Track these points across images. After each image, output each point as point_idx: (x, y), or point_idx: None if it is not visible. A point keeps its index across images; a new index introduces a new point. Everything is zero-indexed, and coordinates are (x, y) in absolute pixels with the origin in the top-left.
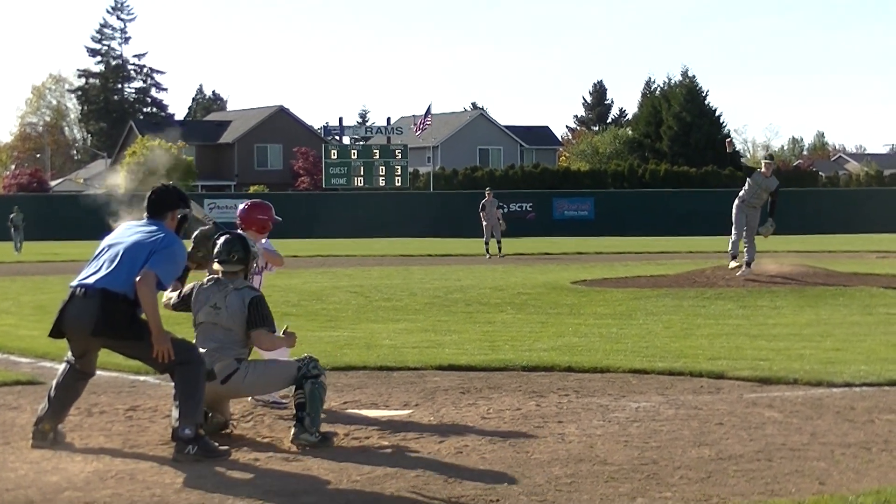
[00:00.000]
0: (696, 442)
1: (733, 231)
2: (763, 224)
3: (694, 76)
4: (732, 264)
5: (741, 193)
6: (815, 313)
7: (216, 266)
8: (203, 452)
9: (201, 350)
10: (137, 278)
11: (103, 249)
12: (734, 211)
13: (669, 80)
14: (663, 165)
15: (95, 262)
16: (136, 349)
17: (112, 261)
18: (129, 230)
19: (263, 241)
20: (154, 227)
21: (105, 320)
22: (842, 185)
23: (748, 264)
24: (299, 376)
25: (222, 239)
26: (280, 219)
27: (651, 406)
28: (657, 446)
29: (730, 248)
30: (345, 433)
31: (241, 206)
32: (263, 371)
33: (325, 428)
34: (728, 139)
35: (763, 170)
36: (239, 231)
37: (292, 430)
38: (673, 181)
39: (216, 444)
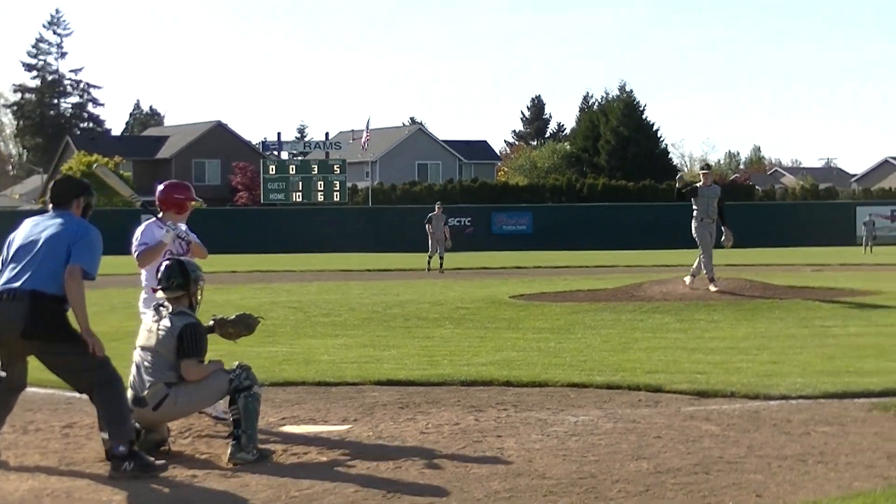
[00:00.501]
0: (635, 455)
1: (702, 253)
2: (723, 238)
3: (631, 91)
4: (713, 287)
5: (695, 213)
6: (751, 326)
7: (159, 294)
8: (139, 468)
9: (132, 373)
10: (66, 275)
11: (17, 250)
12: (696, 232)
13: (607, 94)
14: (601, 179)
15: (13, 265)
16: (65, 354)
17: (32, 261)
18: (37, 227)
19: (188, 230)
20: (62, 219)
21: (35, 321)
22: (778, 199)
23: (712, 280)
24: (231, 388)
25: (162, 266)
26: (201, 200)
27: (590, 420)
28: (596, 460)
29: (706, 272)
30: (283, 449)
31: (158, 187)
32: (194, 391)
33: (263, 444)
34: (679, 175)
35: (702, 181)
36: (179, 258)
37: (229, 449)
38: (611, 195)
39: (152, 459)
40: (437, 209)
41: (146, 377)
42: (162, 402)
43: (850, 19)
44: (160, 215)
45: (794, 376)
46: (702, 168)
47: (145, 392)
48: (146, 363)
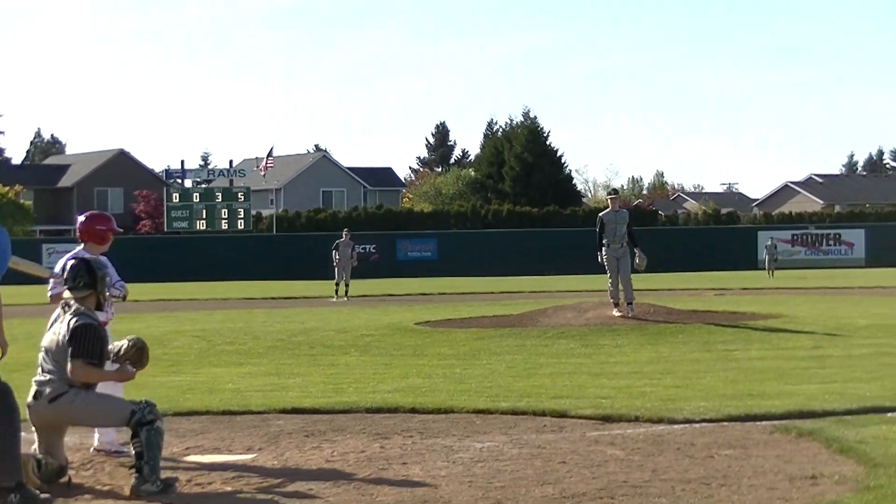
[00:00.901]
0: (540, 481)
1: (609, 279)
2: (634, 259)
3: (535, 117)
4: (616, 312)
5: (603, 241)
6: (655, 351)
7: (66, 293)
8: (24, 501)
9: (37, 374)
10: None
11: None
12: (603, 259)
13: (511, 121)
14: (506, 205)
15: None
16: None
17: None
18: None
19: (107, 261)
20: None
21: None
22: (681, 224)
23: (629, 304)
24: (133, 421)
25: (68, 265)
26: (121, 230)
27: (495, 446)
28: (501, 486)
29: (610, 297)
30: (187, 479)
31: (79, 218)
32: (95, 401)
33: (166, 474)
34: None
35: (610, 206)
36: (83, 255)
37: (132, 481)
38: (515, 221)
39: (39, 492)
40: (344, 236)
41: (46, 376)
42: (59, 396)
43: (750, 46)
44: (82, 246)
45: (698, 400)
46: (609, 193)
47: (46, 389)
48: (46, 363)
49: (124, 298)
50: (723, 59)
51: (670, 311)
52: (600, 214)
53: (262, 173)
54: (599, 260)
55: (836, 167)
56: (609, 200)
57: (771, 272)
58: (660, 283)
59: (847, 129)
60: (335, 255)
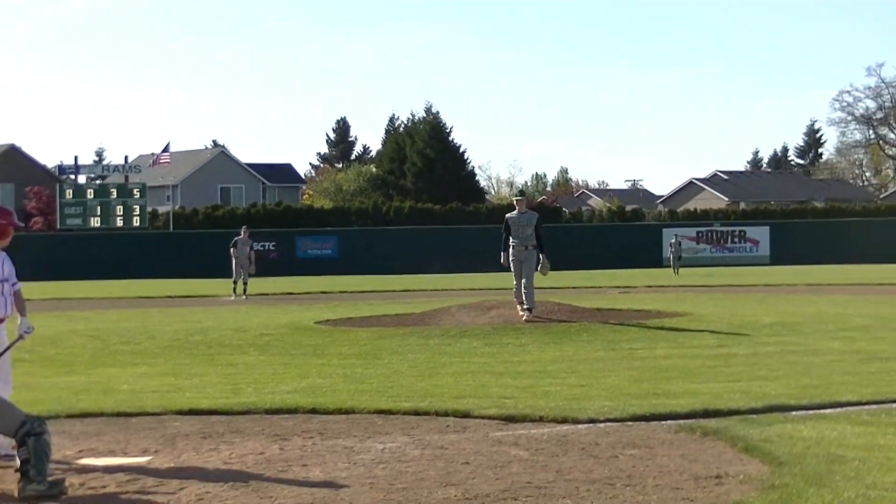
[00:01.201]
0: (443, 482)
1: (514, 280)
2: (539, 265)
3: (437, 112)
4: (520, 311)
5: (511, 242)
6: (559, 350)
7: None
8: None
9: None
10: None
11: None
12: (509, 261)
13: (413, 116)
14: (407, 202)
15: None
16: None
17: None
18: None
19: (4, 259)
20: None
21: None
22: (585, 221)
23: (529, 310)
24: (22, 432)
25: None
26: (23, 224)
27: (397, 447)
28: (403, 488)
29: (514, 296)
30: (80, 482)
31: None
32: None
33: (59, 477)
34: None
35: (517, 208)
36: None
37: (19, 485)
38: (417, 218)
39: None
40: (243, 233)
41: None
42: None
43: (655, 42)
44: None
45: (602, 399)
46: (515, 195)
47: None
48: None
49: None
50: (627, 55)
51: (574, 310)
52: (507, 216)
53: (152, 166)
54: (502, 261)
55: (740, 164)
56: (515, 202)
57: (676, 270)
58: (564, 280)
59: (752, 126)
60: (233, 253)
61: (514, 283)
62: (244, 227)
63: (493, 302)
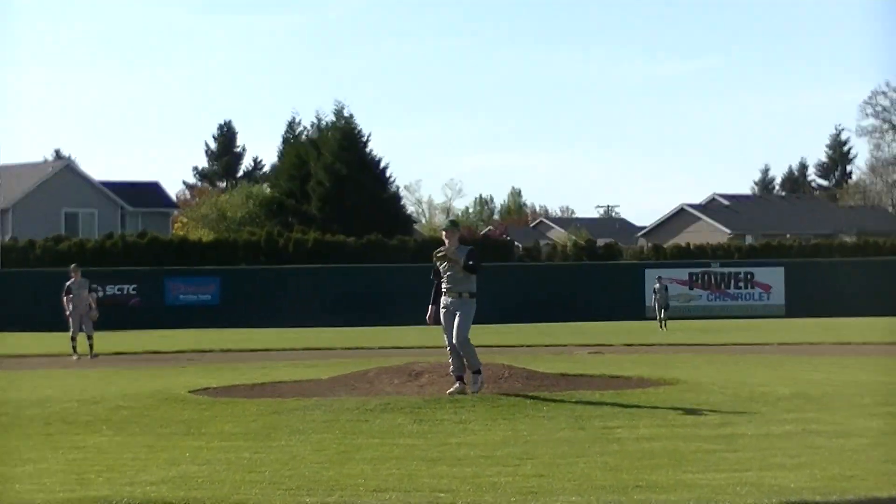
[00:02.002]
0: None
1: (445, 338)
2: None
3: (351, 116)
4: (453, 387)
5: (443, 285)
6: (511, 428)
7: None
8: None
9: None
10: None
11: None
12: (437, 317)
13: (319, 121)
14: (312, 234)
15: None
16: None
17: None
18: None
19: None
20: None
21: None
22: (544, 259)
23: (475, 373)
24: None
25: None
26: None
27: None
28: None
29: (451, 370)
30: None
31: None
32: None
33: None
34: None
35: (446, 243)
36: None
37: None
38: (325, 254)
39: None
40: (74, 274)
41: None
42: None
43: (634, 27)
44: None
45: (568, 493)
46: (444, 226)
47: None
48: None
49: None
50: (600, 38)
51: (531, 375)
52: (435, 254)
53: None
54: (428, 317)
55: (745, 186)
56: (443, 234)
57: (663, 323)
58: (517, 336)
59: (760, 137)
60: (67, 301)
61: (446, 341)
62: (73, 265)
63: (425, 364)
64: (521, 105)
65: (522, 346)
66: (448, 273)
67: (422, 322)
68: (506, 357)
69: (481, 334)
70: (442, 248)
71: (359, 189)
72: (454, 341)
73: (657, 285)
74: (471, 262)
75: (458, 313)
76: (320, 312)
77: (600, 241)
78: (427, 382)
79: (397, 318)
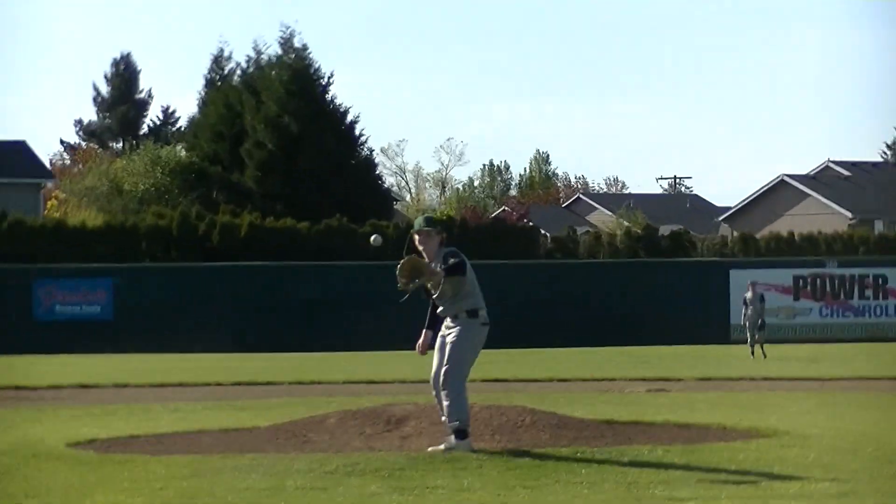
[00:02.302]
0: None
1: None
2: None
3: (306, 49)
4: (450, 444)
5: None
6: (532, 498)
7: None
8: None
9: None
10: None
11: None
12: (427, 345)
13: (258, 55)
14: (247, 217)
15: None
16: None
17: None
18: None
19: None
20: None
21: None
22: (582, 254)
23: (460, 434)
24: None
25: None
26: None
27: None
28: None
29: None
30: None
31: None
32: None
33: None
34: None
35: (421, 251)
36: None
37: None
38: (265, 245)
39: None
40: None
41: None
42: None
43: None
44: None
45: None
46: (416, 230)
47: None
48: None
49: None
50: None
51: (563, 423)
52: (400, 269)
53: None
54: (418, 346)
55: (872, 151)
56: (416, 238)
57: (756, 347)
58: (543, 366)
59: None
60: None
61: (433, 370)
62: None
63: (409, 407)
64: (548, 36)
65: (551, 379)
66: (438, 288)
67: (406, 346)
68: (526, 396)
69: (491, 362)
70: (410, 263)
71: (315, 153)
72: (439, 376)
73: (748, 294)
74: (451, 261)
75: (452, 341)
76: (258, 330)
77: (664, 229)
78: (412, 433)
79: (370, 338)
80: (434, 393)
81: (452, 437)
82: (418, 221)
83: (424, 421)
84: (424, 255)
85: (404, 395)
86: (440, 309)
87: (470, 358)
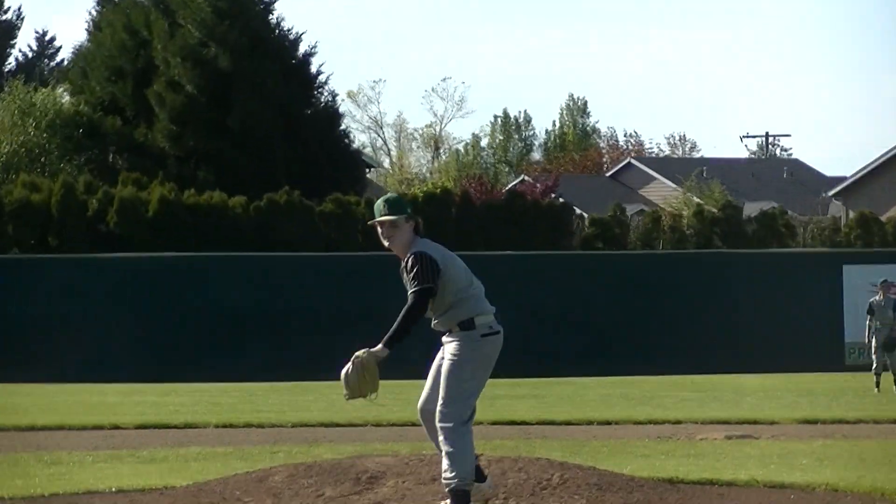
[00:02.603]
0: None
1: (424, 394)
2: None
3: None
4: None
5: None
6: None
7: None
8: None
9: None
10: None
11: None
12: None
13: None
14: (157, 188)
15: None
16: None
17: None
18: None
19: None
20: None
21: None
22: (634, 243)
23: (459, 494)
24: None
25: None
26: None
27: None
28: None
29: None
30: None
31: None
32: None
33: None
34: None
35: (385, 244)
36: None
37: None
38: (182, 229)
39: None
40: None
41: None
42: None
43: None
44: None
45: None
46: (380, 217)
47: None
48: None
49: None
50: None
51: (606, 483)
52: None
53: None
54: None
55: None
56: (379, 231)
57: (882, 371)
58: (577, 401)
59: None
60: None
61: (422, 398)
62: None
63: (385, 459)
64: None
65: (589, 421)
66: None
67: (385, 372)
68: (554, 444)
69: (506, 396)
70: (359, 373)
71: (254, 99)
72: (428, 406)
73: (876, 298)
74: (414, 269)
75: (447, 367)
76: (170, 349)
77: (749, 207)
78: (391, 496)
79: (329, 362)
80: (424, 425)
81: (460, 496)
82: (378, 206)
83: (409, 479)
84: (388, 244)
85: (379, 442)
86: (433, 323)
87: (472, 386)
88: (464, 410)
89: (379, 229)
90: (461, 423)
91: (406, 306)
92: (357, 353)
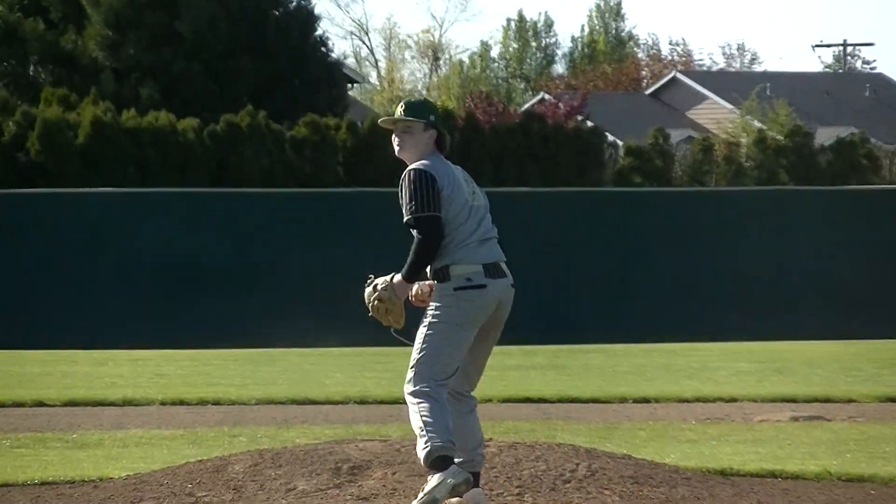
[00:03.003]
0: None
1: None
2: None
3: None
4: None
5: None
6: None
7: None
8: None
9: None
10: None
11: None
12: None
13: None
14: (89, 109)
15: None
16: None
17: None
18: None
19: None
20: None
21: None
22: (680, 178)
23: (436, 465)
24: None
25: None
26: None
27: None
28: None
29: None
30: None
31: None
32: None
33: None
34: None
35: (395, 151)
36: None
37: None
38: (125, 156)
39: None
40: None
41: None
42: None
43: None
44: None
45: None
46: (394, 117)
47: None
48: None
49: None
50: None
51: (643, 476)
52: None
53: None
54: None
55: None
56: (393, 137)
57: None
58: (609, 373)
59: None
60: None
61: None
62: None
63: (371, 445)
64: None
65: (622, 399)
66: (456, 214)
67: (364, 340)
68: (580, 429)
69: (518, 366)
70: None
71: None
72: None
73: None
74: (408, 190)
75: (422, 326)
76: (104, 310)
77: (824, 133)
78: (378, 490)
79: (305, 327)
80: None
81: (431, 477)
82: (399, 106)
83: (400, 469)
84: (398, 151)
85: (365, 423)
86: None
87: (446, 349)
88: (432, 374)
89: (395, 139)
90: (429, 385)
91: (413, 247)
92: (377, 283)
